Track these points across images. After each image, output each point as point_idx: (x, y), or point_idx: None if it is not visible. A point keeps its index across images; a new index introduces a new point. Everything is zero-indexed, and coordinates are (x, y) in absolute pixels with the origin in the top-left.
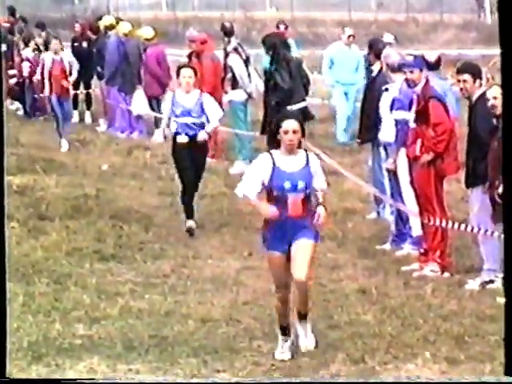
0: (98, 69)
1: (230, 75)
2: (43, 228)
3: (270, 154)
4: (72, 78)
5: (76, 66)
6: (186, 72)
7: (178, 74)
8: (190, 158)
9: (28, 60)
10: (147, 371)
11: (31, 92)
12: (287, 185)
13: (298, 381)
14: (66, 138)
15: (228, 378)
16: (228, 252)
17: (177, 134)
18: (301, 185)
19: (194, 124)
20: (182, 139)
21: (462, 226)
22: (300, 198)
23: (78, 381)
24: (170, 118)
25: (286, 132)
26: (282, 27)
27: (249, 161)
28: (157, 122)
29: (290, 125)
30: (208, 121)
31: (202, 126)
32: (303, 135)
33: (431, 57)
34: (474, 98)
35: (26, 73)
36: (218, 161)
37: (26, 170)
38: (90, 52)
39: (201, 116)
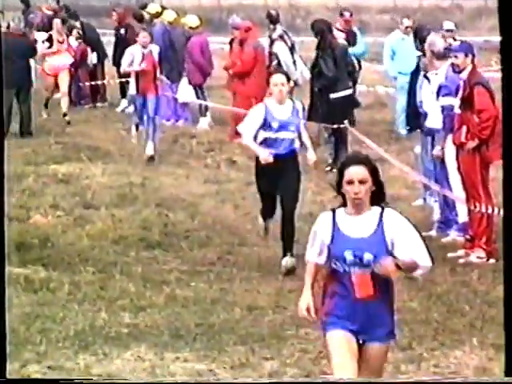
0: None
1: (275, 62)
2: (89, 217)
3: (333, 212)
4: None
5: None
6: (279, 79)
7: (268, 82)
8: (281, 180)
9: (72, 49)
10: (195, 359)
11: (76, 80)
12: (349, 256)
13: (297, 381)
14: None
15: (276, 365)
16: (274, 239)
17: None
18: (368, 257)
19: (289, 139)
20: (269, 158)
21: None
22: (369, 274)
23: (76, 381)
24: (256, 133)
25: (349, 182)
26: (346, 14)
27: None
28: (201, 110)
29: (354, 172)
30: (298, 129)
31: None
32: (378, 185)
33: None
34: None
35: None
36: None
37: (71, 158)
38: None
39: (298, 129)
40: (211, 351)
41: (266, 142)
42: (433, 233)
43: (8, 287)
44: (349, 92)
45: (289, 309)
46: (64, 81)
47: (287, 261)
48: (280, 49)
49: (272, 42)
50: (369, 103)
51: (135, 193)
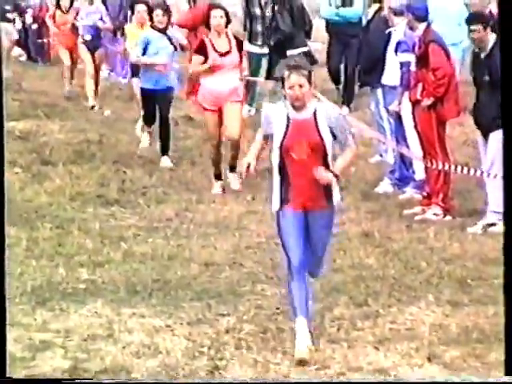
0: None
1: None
2: (46, 173)
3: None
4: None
5: None
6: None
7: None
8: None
9: (30, 7)
10: (152, 315)
11: (35, 36)
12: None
13: (296, 380)
14: None
15: (233, 321)
16: (231, 196)
17: None
18: None
19: None
20: None
21: (465, 169)
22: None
23: (77, 381)
24: None
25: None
26: None
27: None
28: None
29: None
30: None
31: None
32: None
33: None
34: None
35: (29, 19)
36: None
37: (28, 115)
38: None
39: None
40: (168, 307)
41: None
42: (389, 189)
43: None
44: (306, 49)
45: (245, 265)
46: None
47: None
48: None
49: None
50: (324, 60)
51: (92, 150)
